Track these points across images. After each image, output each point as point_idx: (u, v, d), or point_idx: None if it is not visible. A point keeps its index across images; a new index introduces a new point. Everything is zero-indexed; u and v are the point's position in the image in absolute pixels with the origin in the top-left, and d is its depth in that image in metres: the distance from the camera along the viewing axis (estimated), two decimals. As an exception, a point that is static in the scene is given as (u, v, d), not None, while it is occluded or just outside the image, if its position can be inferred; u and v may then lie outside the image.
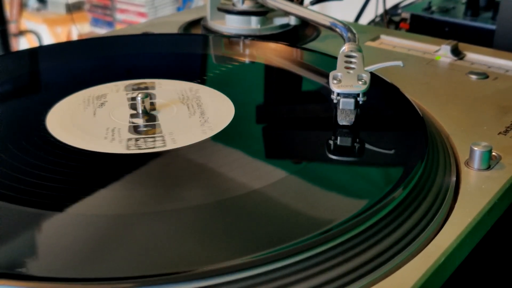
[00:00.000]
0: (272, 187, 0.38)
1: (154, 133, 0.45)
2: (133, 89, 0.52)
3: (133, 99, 0.50)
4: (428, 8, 0.82)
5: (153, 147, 0.43)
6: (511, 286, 0.48)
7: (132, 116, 0.47)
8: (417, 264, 0.33)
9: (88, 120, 0.47)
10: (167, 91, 0.52)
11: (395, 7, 0.89)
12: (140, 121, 0.47)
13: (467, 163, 0.42)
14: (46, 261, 0.32)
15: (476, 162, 0.42)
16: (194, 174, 0.40)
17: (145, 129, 0.46)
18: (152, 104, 0.49)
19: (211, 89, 0.52)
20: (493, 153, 0.43)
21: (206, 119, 0.47)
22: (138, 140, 0.43)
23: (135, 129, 0.46)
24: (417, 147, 0.42)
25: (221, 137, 0.44)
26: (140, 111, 0.48)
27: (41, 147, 0.43)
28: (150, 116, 0.47)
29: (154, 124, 0.46)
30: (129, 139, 0.44)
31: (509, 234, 0.46)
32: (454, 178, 0.41)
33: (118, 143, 0.43)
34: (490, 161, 0.42)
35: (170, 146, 0.43)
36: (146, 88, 0.52)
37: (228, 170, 0.40)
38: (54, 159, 0.41)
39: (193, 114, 0.48)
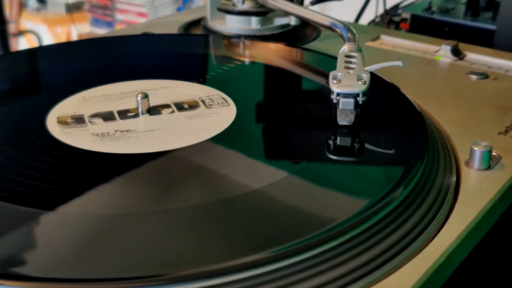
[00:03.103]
0: (273, 187, 0.38)
1: (198, 102, 0.48)
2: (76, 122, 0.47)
3: (108, 118, 0.47)
4: (428, 8, 0.82)
5: (224, 100, 0.49)
6: (511, 286, 0.48)
7: (149, 114, 0.48)
8: (417, 264, 0.33)
9: (144, 136, 0.45)
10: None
11: (395, 7, 0.89)
12: (168, 110, 0.48)
13: (467, 163, 0.42)
14: (45, 261, 0.32)
15: (476, 162, 0.42)
16: (195, 174, 0.40)
17: (186, 106, 0.48)
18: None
19: (212, 89, 0.52)
20: (493, 153, 0.43)
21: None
22: (209, 103, 0.47)
23: (182, 108, 0.48)
24: (417, 147, 0.42)
25: (222, 137, 0.44)
26: (145, 110, 0.48)
27: (41, 147, 0.43)
28: (159, 107, 0.49)
29: (182, 102, 0.49)
30: (208, 108, 0.47)
31: (509, 234, 0.46)
32: (454, 178, 0.41)
33: (213, 107, 0.47)
34: (490, 161, 0.42)
35: (224, 95, 0.49)
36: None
37: (229, 169, 0.40)
38: (54, 159, 0.41)
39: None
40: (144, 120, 0.47)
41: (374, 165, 0.42)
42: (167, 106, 0.49)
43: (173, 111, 0.48)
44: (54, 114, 0.48)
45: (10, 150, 0.42)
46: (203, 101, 0.49)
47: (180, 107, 0.49)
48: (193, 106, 0.48)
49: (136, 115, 0.48)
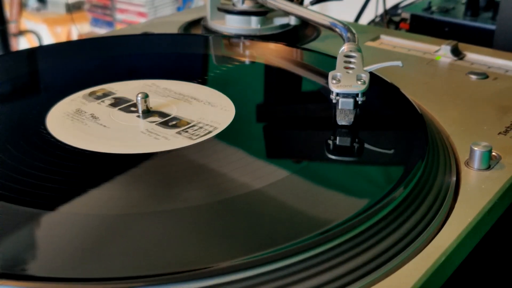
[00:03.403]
0: (272, 187, 0.38)
1: (188, 123, 0.46)
2: (96, 97, 0.51)
3: (115, 104, 0.49)
4: (428, 8, 0.82)
5: (209, 132, 0.45)
6: (511, 286, 0.48)
7: (139, 117, 0.47)
8: (417, 264, 0.33)
9: (97, 128, 0.47)
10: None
11: (395, 7, 0.89)
12: (156, 119, 0.47)
13: (467, 163, 0.42)
14: (46, 261, 0.32)
15: (476, 162, 0.42)
16: (195, 174, 0.40)
17: (174, 122, 0.46)
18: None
19: (212, 89, 0.52)
20: (493, 153, 0.43)
21: (210, 104, 0.49)
22: (187, 131, 0.45)
23: (165, 124, 0.46)
24: (417, 147, 0.42)
25: (222, 137, 0.44)
26: (141, 111, 0.48)
27: (41, 147, 0.43)
28: (158, 113, 0.48)
29: (176, 117, 0.47)
30: (179, 132, 0.44)
31: (509, 234, 0.46)
32: (454, 178, 0.41)
33: (174, 138, 0.44)
34: (490, 161, 0.42)
35: (219, 128, 0.45)
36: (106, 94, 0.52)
37: (229, 169, 0.40)
38: (54, 159, 0.41)
39: (194, 105, 0.49)
40: (122, 116, 0.47)
41: (374, 165, 0.42)
42: (165, 115, 0.48)
43: (156, 121, 0.47)
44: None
45: (10, 150, 0.42)
46: (189, 126, 0.46)
47: (168, 121, 0.47)
48: (174, 126, 0.46)
49: (134, 112, 0.48)
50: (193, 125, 0.46)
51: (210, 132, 0.45)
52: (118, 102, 0.50)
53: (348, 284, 0.32)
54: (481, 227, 0.38)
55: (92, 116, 0.47)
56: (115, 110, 0.49)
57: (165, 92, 0.52)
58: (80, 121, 0.46)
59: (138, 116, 0.48)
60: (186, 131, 0.45)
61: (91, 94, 0.51)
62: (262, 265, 0.31)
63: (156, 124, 0.46)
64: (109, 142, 0.44)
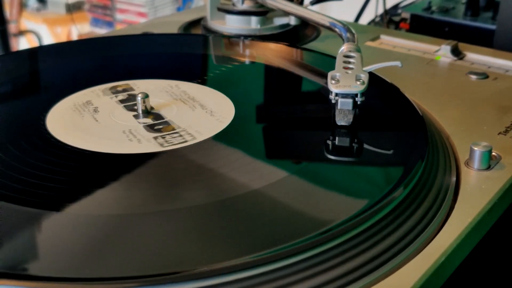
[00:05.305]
0: (272, 187, 0.38)
1: (173, 129, 0.45)
2: (114, 92, 0.52)
3: (124, 100, 0.50)
4: (428, 8, 0.82)
5: (184, 141, 0.43)
6: (511, 286, 0.48)
7: (135, 116, 0.47)
8: (417, 264, 0.33)
9: (89, 121, 0.47)
10: (166, 91, 0.52)
11: (395, 7, 0.89)
12: (148, 121, 0.47)
13: (467, 163, 0.42)
14: (47, 261, 0.32)
15: (476, 162, 0.42)
16: (194, 174, 0.40)
17: (160, 126, 0.46)
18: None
19: (211, 89, 0.52)
20: (493, 153, 0.43)
21: (211, 112, 0.48)
22: (164, 137, 0.44)
23: (151, 127, 0.46)
24: (417, 147, 0.42)
25: (222, 137, 0.44)
26: (141, 111, 0.48)
27: (41, 147, 0.43)
28: (154, 115, 0.48)
29: (166, 121, 0.47)
30: (156, 137, 0.44)
31: (509, 234, 0.46)
32: (454, 178, 0.41)
33: (147, 142, 0.43)
34: (490, 161, 0.42)
35: (198, 138, 0.44)
36: (125, 90, 0.53)
37: (228, 169, 0.40)
38: (54, 159, 0.41)
39: (194, 109, 0.49)
40: (120, 114, 0.48)
41: (374, 166, 0.42)
42: (159, 117, 0.48)
43: (146, 123, 0.47)
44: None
45: (10, 150, 0.42)
46: (171, 132, 0.45)
47: (156, 124, 0.46)
48: (158, 130, 0.45)
49: (134, 111, 0.48)
50: (176, 132, 0.45)
51: (190, 140, 0.44)
52: (128, 99, 0.50)
53: (348, 284, 0.32)
54: (481, 227, 0.38)
55: (94, 110, 0.48)
56: (120, 106, 0.49)
57: (167, 91, 0.52)
58: (79, 114, 0.48)
59: (136, 116, 0.47)
60: (164, 137, 0.44)
61: (111, 88, 0.52)
62: (262, 265, 0.31)
63: (143, 126, 0.46)
64: (90, 138, 0.44)
